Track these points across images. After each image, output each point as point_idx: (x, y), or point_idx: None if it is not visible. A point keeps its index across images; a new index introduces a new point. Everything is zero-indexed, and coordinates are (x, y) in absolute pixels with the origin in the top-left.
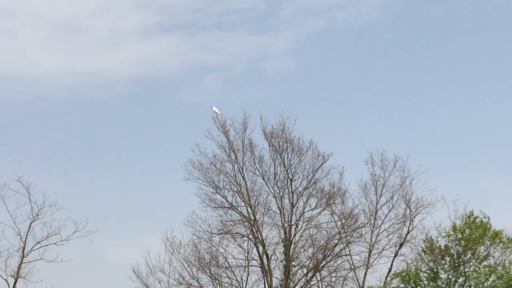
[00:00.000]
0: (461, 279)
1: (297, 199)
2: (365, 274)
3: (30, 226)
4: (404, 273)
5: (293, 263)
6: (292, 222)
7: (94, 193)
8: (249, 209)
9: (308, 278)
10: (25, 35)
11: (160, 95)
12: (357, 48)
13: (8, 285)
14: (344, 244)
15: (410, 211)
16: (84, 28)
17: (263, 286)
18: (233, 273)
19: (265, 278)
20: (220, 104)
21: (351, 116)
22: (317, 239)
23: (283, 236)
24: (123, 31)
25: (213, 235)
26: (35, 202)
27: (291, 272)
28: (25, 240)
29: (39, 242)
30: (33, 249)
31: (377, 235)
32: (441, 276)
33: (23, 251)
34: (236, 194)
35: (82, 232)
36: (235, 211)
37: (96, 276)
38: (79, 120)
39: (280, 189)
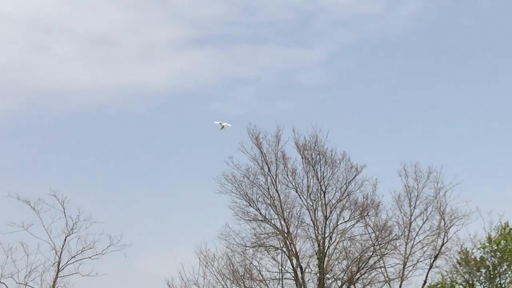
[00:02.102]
0: None
1: (331, 212)
2: (400, 286)
3: (65, 240)
4: (439, 285)
5: (327, 275)
6: (326, 235)
7: (128, 207)
8: (282, 221)
9: None
10: (59, 50)
11: (193, 108)
12: (389, 60)
13: None
14: (379, 257)
15: (445, 223)
16: (118, 42)
17: None
18: (267, 286)
19: None
20: (253, 117)
21: (384, 128)
22: (351, 252)
23: (317, 248)
24: (157, 45)
25: (247, 248)
26: (70, 217)
27: (325, 285)
28: (60, 254)
29: (74, 256)
30: (68, 263)
31: (412, 247)
32: None
33: (58, 265)
34: (270, 207)
35: (117, 246)
36: (268, 224)
37: None
38: (113, 134)
39: (313, 201)
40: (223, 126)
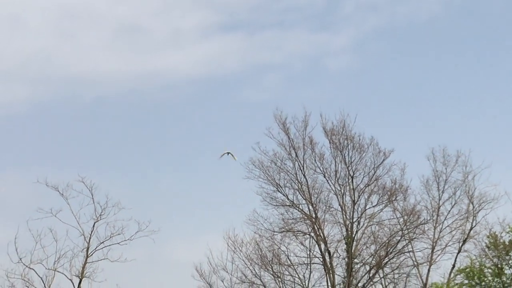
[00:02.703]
0: None
1: (359, 196)
2: (429, 270)
3: (93, 226)
4: (468, 269)
5: (355, 260)
6: (354, 219)
7: (156, 193)
8: (310, 207)
9: (371, 275)
10: (87, 37)
11: (220, 95)
12: (418, 44)
13: (73, 284)
14: (407, 241)
15: (473, 207)
16: (145, 29)
17: (325, 283)
18: (296, 271)
19: (327, 275)
20: (280, 102)
21: (412, 112)
22: (379, 236)
23: (345, 233)
24: (184, 31)
25: (275, 233)
26: (98, 203)
27: (353, 270)
28: (89, 240)
29: (102, 242)
30: (97, 249)
31: (440, 231)
32: (505, 271)
33: (87, 251)
34: (297, 192)
35: (145, 231)
36: (296, 209)
37: (159, 275)
38: (141, 121)
39: (341, 186)
40: (228, 153)
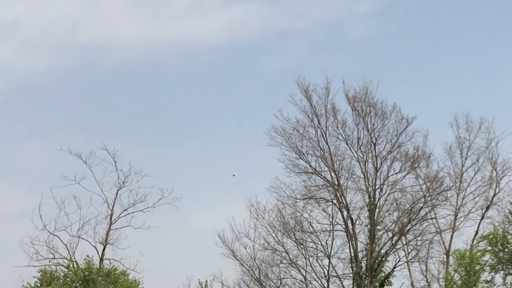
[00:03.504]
0: None
1: (381, 163)
2: (451, 237)
3: (117, 193)
4: (491, 236)
5: (378, 227)
6: (376, 186)
7: (179, 160)
8: (332, 174)
9: (393, 242)
10: (109, 4)
11: (242, 62)
12: (441, 10)
13: (97, 251)
14: (430, 208)
15: (497, 173)
16: None
17: (348, 250)
18: (318, 238)
19: (350, 242)
20: (302, 70)
21: (435, 79)
22: (402, 203)
23: (367, 200)
24: None
25: (297, 200)
26: (121, 170)
27: (376, 237)
28: (113, 208)
29: (126, 209)
30: (120, 216)
31: (463, 198)
32: None
33: (110, 218)
34: (320, 159)
35: (168, 199)
36: (318, 176)
37: (182, 242)
38: (163, 88)
39: (363, 153)
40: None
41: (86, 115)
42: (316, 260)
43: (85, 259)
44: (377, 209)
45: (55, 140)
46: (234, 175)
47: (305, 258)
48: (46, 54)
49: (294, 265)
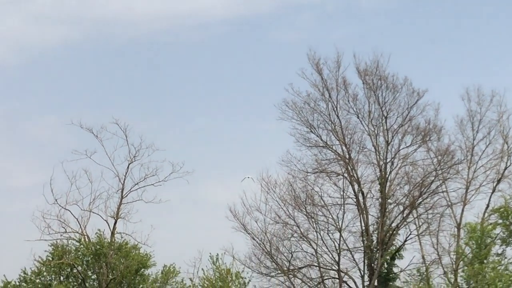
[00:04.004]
0: None
1: (392, 137)
2: (462, 210)
3: (128, 167)
4: (502, 209)
5: (389, 200)
6: (388, 160)
7: (190, 134)
8: (343, 147)
9: (404, 215)
10: None
11: (253, 35)
12: None
13: (109, 225)
14: (441, 181)
15: (508, 146)
16: None
17: (359, 224)
18: (329, 212)
19: (361, 216)
20: (314, 43)
21: (446, 52)
22: (413, 177)
23: (378, 174)
24: None
25: (308, 174)
26: (132, 144)
27: (387, 210)
28: (124, 182)
29: (137, 183)
30: (131, 190)
31: (474, 171)
32: None
33: (121, 192)
34: (331, 133)
35: (179, 173)
36: (329, 149)
37: (193, 216)
38: (175, 62)
39: (374, 127)
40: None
41: (97, 89)
42: (327, 233)
43: (96, 233)
44: (388, 183)
45: (66, 114)
46: (249, 177)
47: (316, 231)
48: (57, 28)
49: (305, 239)
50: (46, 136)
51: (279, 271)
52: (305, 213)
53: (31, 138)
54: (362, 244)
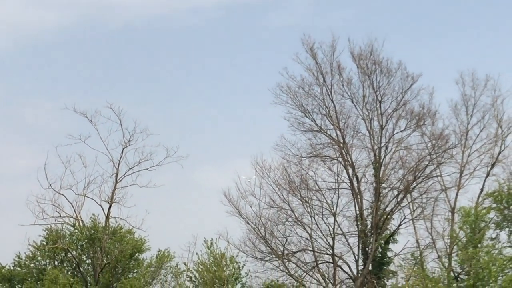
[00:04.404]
0: None
1: (387, 121)
2: (457, 195)
3: (122, 152)
4: (496, 193)
5: (383, 185)
6: (382, 144)
7: (184, 119)
8: (338, 132)
9: (398, 199)
10: None
11: (248, 19)
12: None
13: (103, 210)
14: (435, 165)
15: (502, 131)
16: None
17: (353, 208)
18: (323, 196)
19: (355, 200)
20: (308, 27)
21: (440, 36)
22: (407, 161)
23: (372, 158)
24: None
25: (303, 158)
26: (127, 129)
27: (381, 194)
28: (118, 166)
29: (131, 168)
30: (126, 174)
31: (468, 156)
32: None
33: (116, 177)
34: (325, 117)
35: (173, 157)
36: (324, 134)
37: (188, 201)
38: (169, 46)
39: (369, 111)
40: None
41: (91, 74)
42: (322, 218)
43: (90, 217)
44: (382, 167)
45: (60, 99)
46: (249, 180)
47: (311, 216)
48: (52, 12)
49: (299, 223)
50: (40, 121)
51: (274, 256)
52: (299, 197)
53: (25, 123)
54: (356, 229)
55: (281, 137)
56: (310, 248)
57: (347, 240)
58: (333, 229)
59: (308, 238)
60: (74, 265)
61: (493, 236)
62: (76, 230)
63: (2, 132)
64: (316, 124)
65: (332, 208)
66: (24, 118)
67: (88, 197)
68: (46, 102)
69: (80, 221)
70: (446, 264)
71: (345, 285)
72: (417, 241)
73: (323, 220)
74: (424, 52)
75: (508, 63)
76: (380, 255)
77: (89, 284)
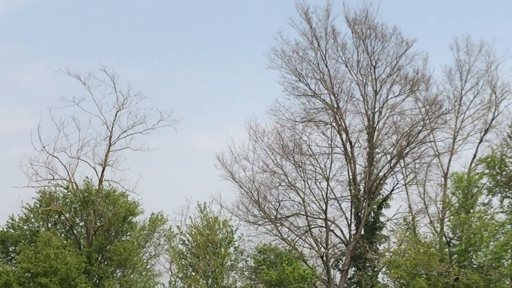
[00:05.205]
0: None
1: (381, 86)
2: (449, 160)
3: (116, 115)
4: (489, 159)
5: (376, 150)
6: (376, 109)
7: (178, 83)
8: (332, 96)
9: (391, 165)
10: None
11: None
12: None
13: (96, 173)
14: (428, 131)
15: (496, 97)
16: None
17: (346, 173)
18: (317, 161)
19: (348, 165)
20: None
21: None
22: (400, 126)
23: (366, 123)
24: None
25: (296, 123)
26: (121, 92)
27: (374, 159)
28: (112, 129)
29: (125, 131)
30: (119, 137)
31: (462, 121)
32: None
33: (109, 140)
34: (319, 82)
35: (167, 121)
36: (318, 99)
37: (181, 165)
38: (163, 10)
39: (363, 76)
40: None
41: (85, 36)
42: (315, 182)
43: (84, 180)
44: (376, 132)
45: (54, 61)
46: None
47: (304, 180)
48: None
49: (292, 188)
50: (34, 83)
51: (267, 220)
52: (293, 162)
53: (19, 86)
54: (349, 193)
55: (275, 101)
56: (303, 213)
57: (339, 205)
58: (326, 193)
59: (301, 202)
60: (68, 227)
61: (486, 201)
62: (70, 193)
63: None
64: (310, 89)
65: (325, 172)
66: (18, 80)
67: (81, 159)
68: (40, 65)
69: (74, 183)
70: (438, 229)
71: (337, 249)
72: (409, 206)
73: (316, 185)
74: (419, 17)
75: (503, 29)
76: (372, 220)
77: (82, 247)
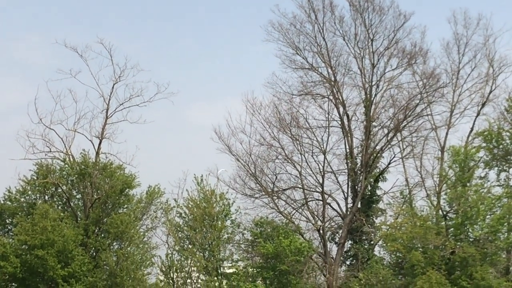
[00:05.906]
0: None
1: (378, 59)
2: (447, 134)
3: (113, 87)
4: (486, 133)
5: (373, 123)
6: (373, 83)
7: (175, 55)
8: (329, 70)
9: (388, 138)
10: None
11: None
12: None
13: (93, 145)
14: (425, 104)
15: (493, 70)
16: None
17: (343, 146)
18: (314, 134)
19: (345, 138)
20: None
21: None
22: (398, 100)
23: (363, 96)
24: None
25: (294, 96)
26: (117, 64)
27: (371, 133)
28: (109, 102)
29: (122, 104)
30: (116, 110)
31: (459, 95)
32: None
33: (106, 112)
34: (316, 55)
35: (164, 93)
36: (315, 72)
37: (178, 137)
38: None
39: (360, 49)
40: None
41: (82, 9)
42: (312, 156)
43: (81, 152)
44: (373, 106)
45: (51, 33)
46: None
47: (301, 153)
48: None
49: (289, 161)
50: (31, 56)
51: (263, 193)
52: (289, 135)
53: (16, 58)
54: (346, 167)
55: (272, 74)
56: (300, 186)
57: (336, 178)
58: (323, 167)
59: (298, 175)
60: (65, 200)
61: (482, 175)
62: (67, 165)
63: None
64: (308, 62)
65: (322, 146)
66: (14, 52)
67: (78, 132)
68: (37, 37)
69: (71, 156)
70: (435, 203)
71: (334, 222)
72: (406, 180)
73: (313, 158)
74: None
75: (501, 3)
76: (369, 193)
77: (79, 219)
